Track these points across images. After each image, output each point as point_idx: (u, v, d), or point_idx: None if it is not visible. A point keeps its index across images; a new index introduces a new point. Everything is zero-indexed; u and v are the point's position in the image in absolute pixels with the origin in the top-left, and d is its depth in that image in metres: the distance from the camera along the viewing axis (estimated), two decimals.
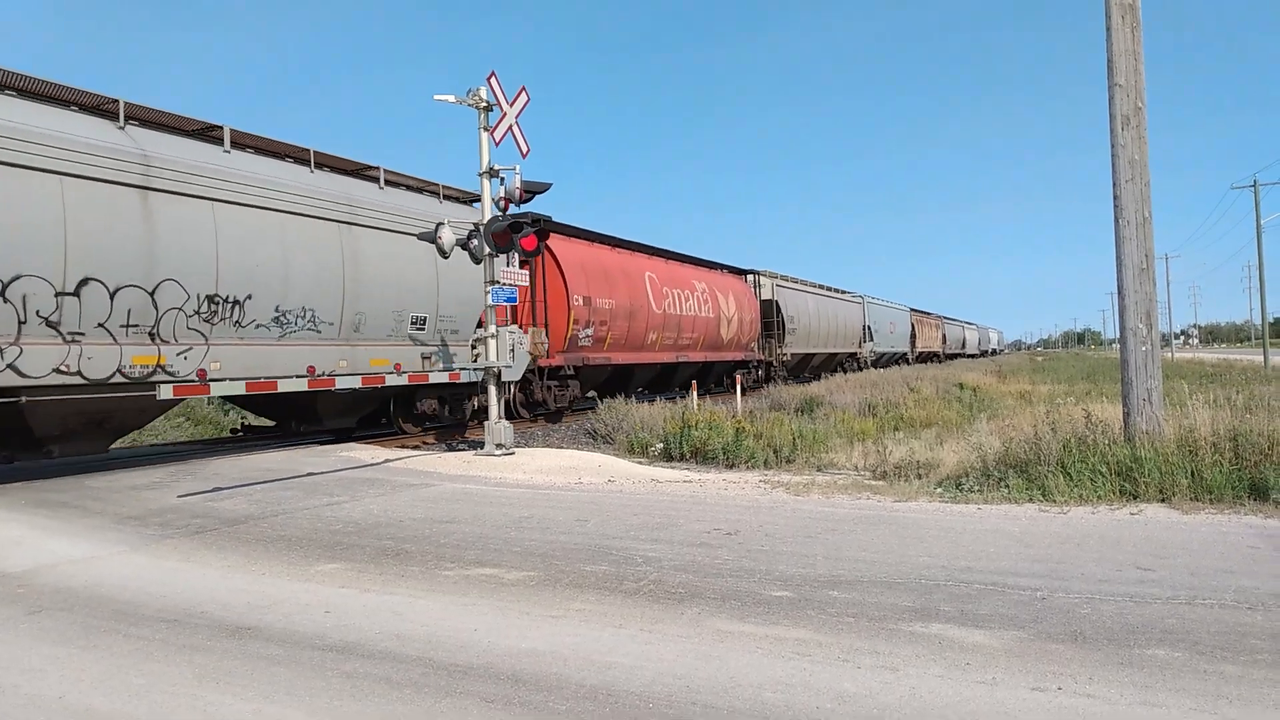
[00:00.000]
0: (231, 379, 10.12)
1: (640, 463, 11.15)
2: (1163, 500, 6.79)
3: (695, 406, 13.80)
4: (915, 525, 6.33)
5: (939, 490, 7.79)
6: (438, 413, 14.98)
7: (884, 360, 47.71)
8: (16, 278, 8.64)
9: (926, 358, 60.16)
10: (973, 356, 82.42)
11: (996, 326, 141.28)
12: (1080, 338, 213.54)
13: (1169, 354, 60.64)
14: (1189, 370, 29.01)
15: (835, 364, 38.64)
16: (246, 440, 14.26)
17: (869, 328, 43.48)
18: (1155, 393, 7.91)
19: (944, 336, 68.27)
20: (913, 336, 55.25)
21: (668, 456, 11.54)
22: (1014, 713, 3.06)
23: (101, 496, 8.45)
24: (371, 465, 10.65)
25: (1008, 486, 7.40)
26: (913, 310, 58.03)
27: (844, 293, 41.18)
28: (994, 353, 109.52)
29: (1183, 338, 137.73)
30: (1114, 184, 8.13)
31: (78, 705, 3.39)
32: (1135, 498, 6.90)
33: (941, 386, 22.02)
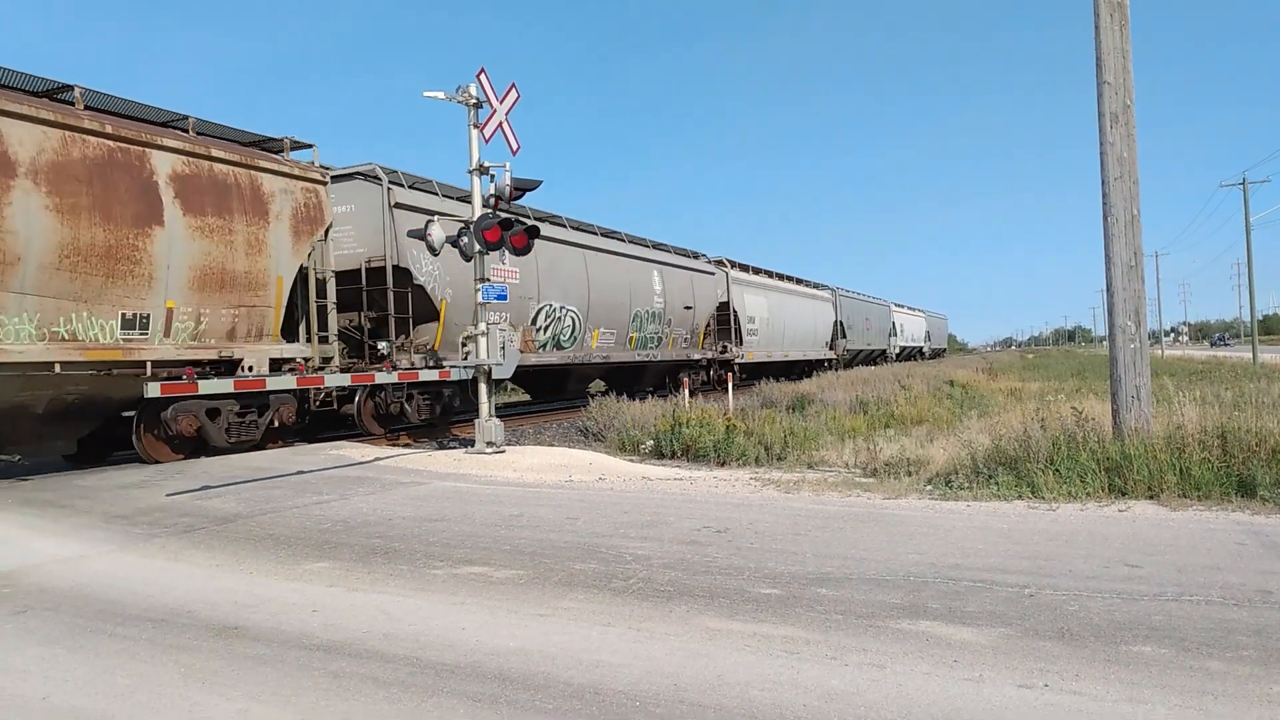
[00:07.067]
0: None
1: (631, 460, 11.15)
2: (1151, 497, 6.82)
3: (687, 404, 13.80)
4: (905, 523, 6.34)
5: (929, 487, 7.80)
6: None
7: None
8: None
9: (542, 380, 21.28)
10: (810, 364, 35.66)
11: (937, 310, 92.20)
12: (1071, 335, 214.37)
13: (1159, 351, 60.94)
14: (1178, 367, 29.18)
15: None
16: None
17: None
18: (1144, 390, 7.94)
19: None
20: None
21: (659, 454, 11.54)
22: (1000, 710, 3.07)
23: (89, 495, 8.39)
24: (361, 463, 10.61)
25: (997, 484, 7.41)
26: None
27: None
28: (923, 355, 64.40)
29: (1173, 335, 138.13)
30: (1102, 182, 8.15)
31: (63, 706, 3.37)
32: (1124, 495, 6.93)
33: (932, 384, 22.15)
